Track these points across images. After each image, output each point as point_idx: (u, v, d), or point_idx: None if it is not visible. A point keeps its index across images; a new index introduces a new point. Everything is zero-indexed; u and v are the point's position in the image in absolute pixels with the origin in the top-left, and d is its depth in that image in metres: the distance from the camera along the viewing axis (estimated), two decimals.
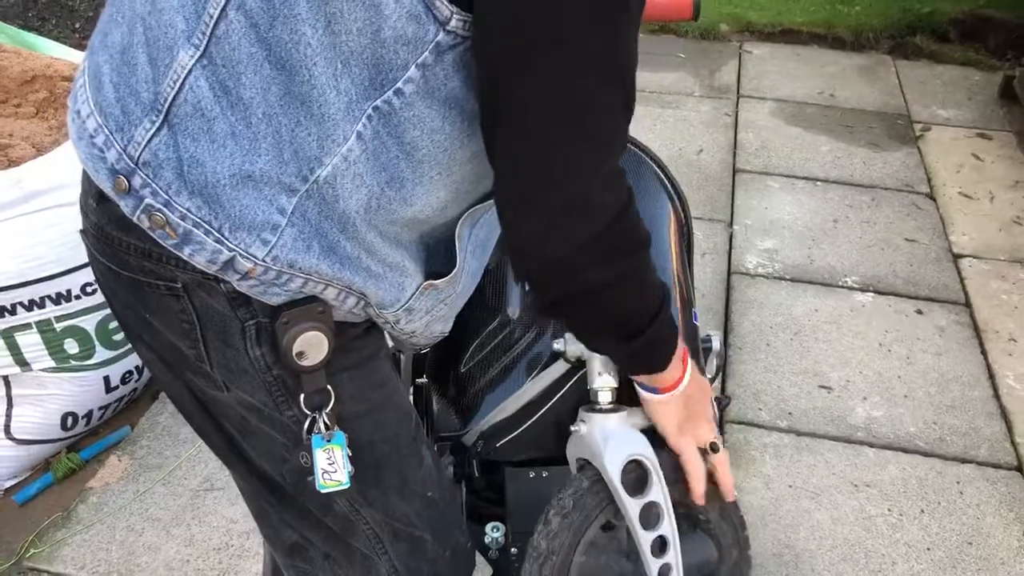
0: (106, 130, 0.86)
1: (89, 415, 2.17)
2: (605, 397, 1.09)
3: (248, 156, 0.84)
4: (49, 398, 2.08)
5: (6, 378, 2.03)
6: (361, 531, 1.10)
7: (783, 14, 4.67)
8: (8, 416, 2.07)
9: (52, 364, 2.03)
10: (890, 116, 3.87)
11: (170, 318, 0.95)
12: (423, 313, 1.01)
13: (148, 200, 0.85)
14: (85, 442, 2.21)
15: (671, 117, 3.81)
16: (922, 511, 2.10)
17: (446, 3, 0.78)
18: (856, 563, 1.97)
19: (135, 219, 0.87)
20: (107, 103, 0.87)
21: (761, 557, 1.97)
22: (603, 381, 1.09)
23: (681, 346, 1.01)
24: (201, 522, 2.00)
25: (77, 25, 4.17)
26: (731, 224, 3.12)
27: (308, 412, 0.97)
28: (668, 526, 1.03)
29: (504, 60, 0.78)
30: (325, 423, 0.97)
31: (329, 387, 0.97)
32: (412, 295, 0.98)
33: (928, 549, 2.01)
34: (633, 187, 1.46)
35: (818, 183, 3.38)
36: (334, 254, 0.89)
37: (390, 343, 1.09)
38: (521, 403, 1.24)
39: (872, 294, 2.80)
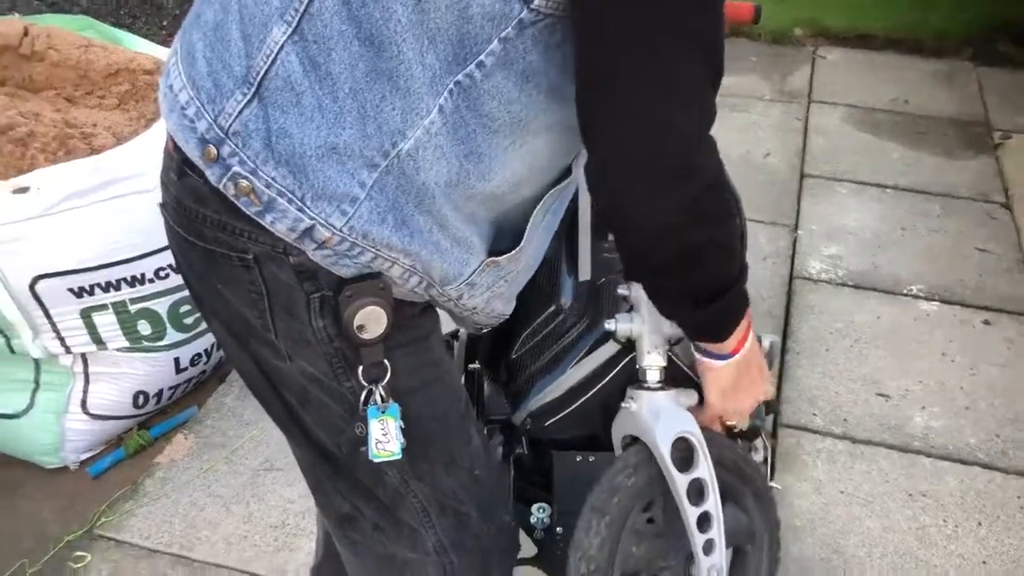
0: (197, 102, 0.91)
1: (159, 394, 2.27)
2: (654, 376, 1.12)
3: (333, 129, 0.88)
4: (123, 376, 2.19)
5: (84, 356, 2.14)
6: (410, 504, 1.15)
7: (860, 19, 4.59)
8: (85, 392, 2.18)
9: (126, 344, 2.13)
10: (967, 124, 3.79)
11: (240, 288, 1.00)
12: (484, 289, 1.05)
13: (235, 168, 0.90)
14: (155, 420, 2.31)
15: (740, 120, 3.79)
16: (979, 524, 2.06)
17: None
18: (907, 573, 1.95)
19: (221, 186, 0.92)
20: (200, 76, 0.92)
21: (809, 561, 1.96)
22: (652, 359, 1.13)
23: (746, 321, 1.05)
24: (260, 500, 2.08)
25: (164, 23, 4.33)
26: (796, 228, 3.10)
27: (365, 384, 1.01)
28: (713, 502, 1.07)
29: (610, 40, 0.81)
30: (381, 395, 1.02)
31: (386, 361, 1.01)
32: (475, 271, 1.02)
33: (983, 562, 1.98)
34: None
35: (887, 190, 3.33)
36: (406, 227, 0.93)
37: (450, 328, 1.13)
38: (571, 383, 1.27)
39: (937, 303, 2.75)
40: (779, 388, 2.41)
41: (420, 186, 0.91)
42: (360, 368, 1.01)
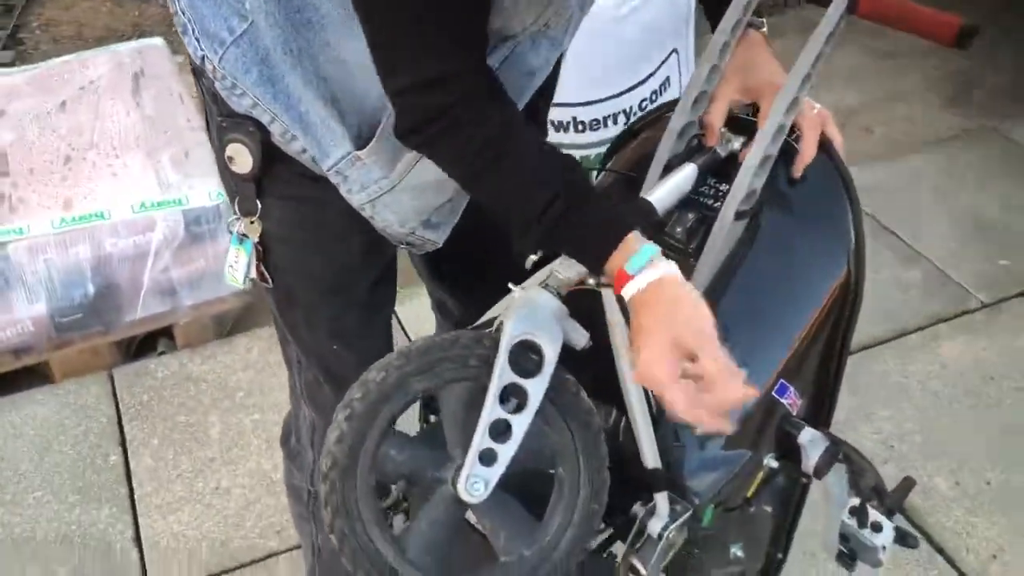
0: None
1: None
2: (555, 280, 1.02)
3: None
4: None
5: None
6: (291, 344, 1.29)
7: None
8: None
9: None
10: None
11: (198, 91, 1.15)
12: (359, 188, 1.06)
13: None
14: None
15: None
16: None
17: None
18: None
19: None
20: None
21: None
22: (563, 266, 1.02)
23: (620, 257, 0.93)
24: None
25: None
26: None
27: (236, 212, 1.13)
28: (522, 418, 0.96)
29: None
30: (241, 228, 1.13)
31: (258, 201, 1.10)
32: (341, 159, 1.04)
33: None
34: (814, 233, 1.22)
35: None
36: (271, 85, 1.00)
37: None
38: None
39: None
40: None
41: (268, 49, 0.98)
42: (237, 199, 1.12)
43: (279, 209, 1.12)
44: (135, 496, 2.04)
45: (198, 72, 1.09)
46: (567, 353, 1.02)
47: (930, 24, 1.04)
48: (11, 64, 3.56)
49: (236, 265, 1.15)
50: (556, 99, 1.57)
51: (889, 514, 1.36)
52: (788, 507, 1.34)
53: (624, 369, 1.06)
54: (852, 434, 2.12)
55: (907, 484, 1.46)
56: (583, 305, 1.04)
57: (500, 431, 0.96)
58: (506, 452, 0.96)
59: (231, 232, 1.15)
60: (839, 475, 1.33)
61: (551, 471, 1.05)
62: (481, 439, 0.96)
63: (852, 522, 1.36)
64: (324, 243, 1.16)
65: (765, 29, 1.20)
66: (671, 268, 0.91)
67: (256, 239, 1.13)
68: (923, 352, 2.33)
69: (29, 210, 2.33)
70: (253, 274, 1.16)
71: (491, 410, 0.96)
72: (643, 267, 0.91)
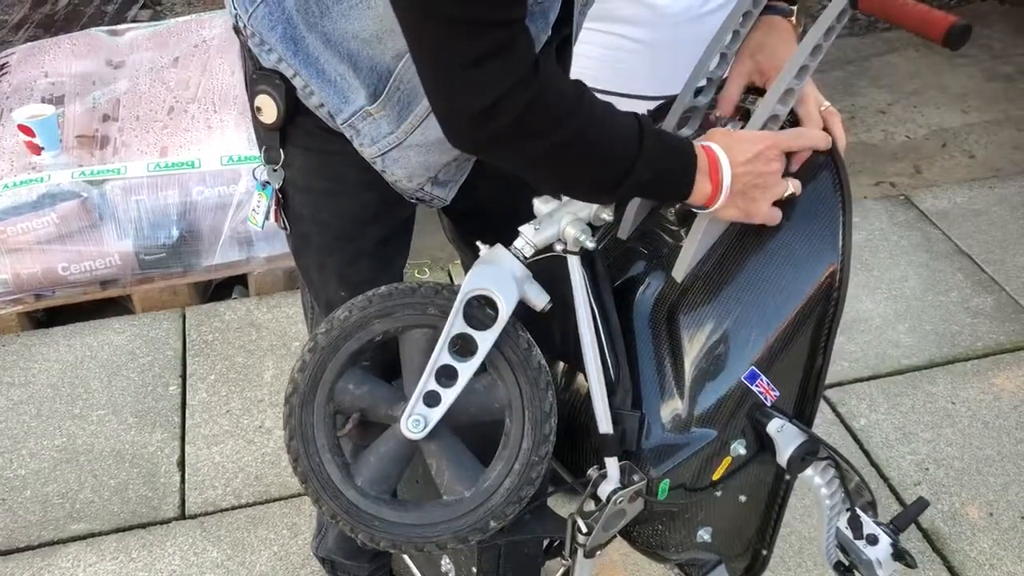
0: None
1: None
2: (520, 241, 1.06)
3: None
4: None
5: None
6: (308, 289, 1.38)
7: None
8: None
9: None
10: None
11: (240, 49, 1.21)
12: (371, 142, 1.13)
13: None
14: None
15: None
16: None
17: None
18: None
19: None
20: None
21: None
22: (527, 230, 1.07)
23: (702, 164, 1.03)
24: None
25: None
26: None
27: (263, 160, 1.21)
28: (468, 366, 1.03)
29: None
30: (265, 176, 1.21)
31: (281, 150, 1.18)
32: (355, 113, 1.11)
33: None
34: (804, 231, 1.23)
35: None
36: (293, 43, 1.08)
37: None
38: None
39: None
40: None
41: (291, 10, 1.06)
42: (264, 147, 1.20)
43: (300, 159, 1.19)
44: (186, 425, 2.19)
45: (237, 31, 1.17)
46: (532, 315, 1.07)
47: (922, 21, 1.03)
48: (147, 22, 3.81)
49: (258, 209, 1.24)
50: (629, 91, 1.61)
51: (895, 532, 1.36)
52: (768, 501, 1.34)
53: (584, 334, 1.10)
54: (886, 452, 2.09)
55: (919, 504, 1.44)
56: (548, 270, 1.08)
57: (446, 375, 1.03)
58: (449, 395, 1.04)
59: (255, 179, 1.24)
60: (827, 477, 1.34)
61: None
62: (427, 380, 1.03)
63: (849, 532, 1.36)
64: (339, 194, 1.23)
65: (794, 18, 1.21)
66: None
67: (277, 186, 1.22)
68: (978, 380, 2.26)
69: (129, 153, 2.52)
70: (272, 218, 1.25)
71: (439, 354, 1.03)
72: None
